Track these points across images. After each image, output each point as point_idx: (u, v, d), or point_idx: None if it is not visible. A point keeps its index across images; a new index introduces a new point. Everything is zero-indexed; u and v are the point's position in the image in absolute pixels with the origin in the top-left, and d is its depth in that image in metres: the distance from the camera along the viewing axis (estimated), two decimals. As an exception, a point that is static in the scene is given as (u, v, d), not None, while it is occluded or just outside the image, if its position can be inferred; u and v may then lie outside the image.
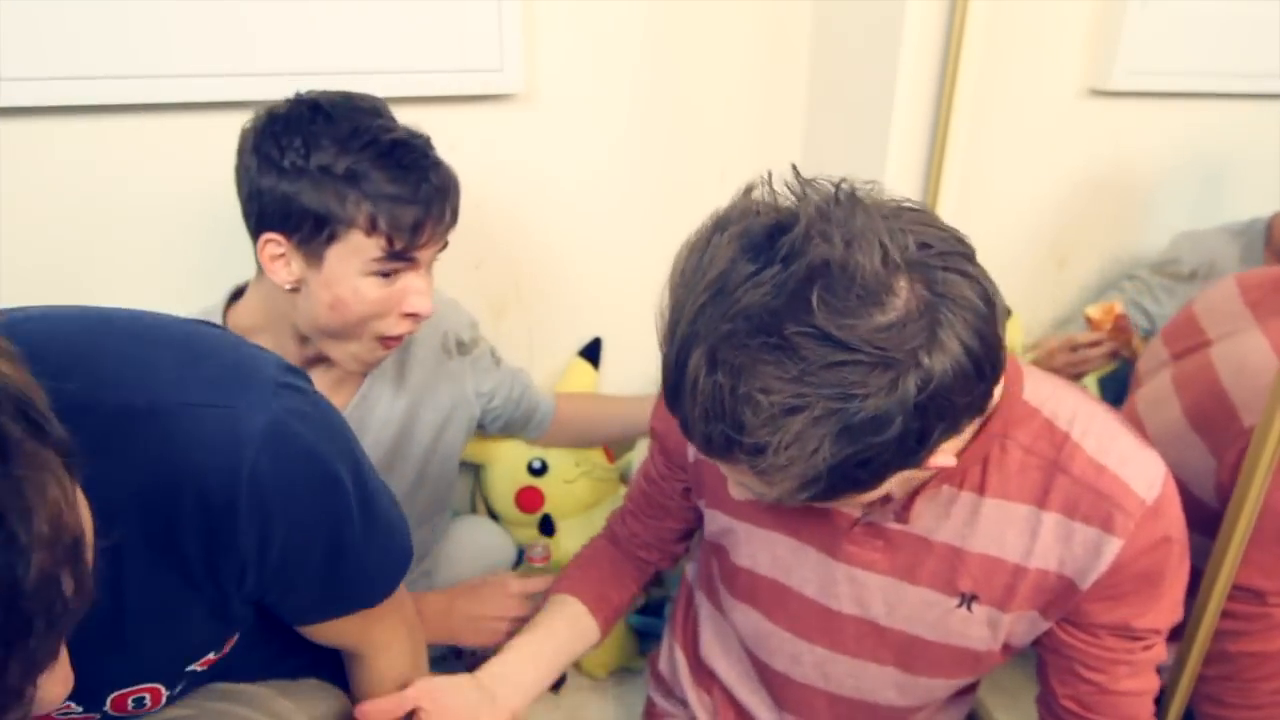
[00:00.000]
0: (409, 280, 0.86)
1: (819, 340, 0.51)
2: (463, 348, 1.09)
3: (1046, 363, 1.38)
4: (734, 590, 0.88)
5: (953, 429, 0.58)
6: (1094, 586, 0.70)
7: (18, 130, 0.95)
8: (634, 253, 1.37)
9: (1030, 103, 1.40)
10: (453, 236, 1.24)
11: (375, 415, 1.00)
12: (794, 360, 0.51)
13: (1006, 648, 0.77)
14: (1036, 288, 1.34)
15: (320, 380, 0.95)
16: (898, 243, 0.52)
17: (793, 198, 0.56)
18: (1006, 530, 0.71)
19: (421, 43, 1.10)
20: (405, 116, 1.15)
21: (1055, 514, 0.69)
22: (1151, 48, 1.38)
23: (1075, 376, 1.36)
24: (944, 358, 0.53)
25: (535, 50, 1.19)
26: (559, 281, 1.35)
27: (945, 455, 0.61)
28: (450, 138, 1.18)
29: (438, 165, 0.85)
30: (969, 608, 0.74)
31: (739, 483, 0.64)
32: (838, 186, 0.56)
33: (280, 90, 1.06)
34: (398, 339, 0.90)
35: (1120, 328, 1.31)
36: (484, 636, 0.99)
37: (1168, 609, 0.72)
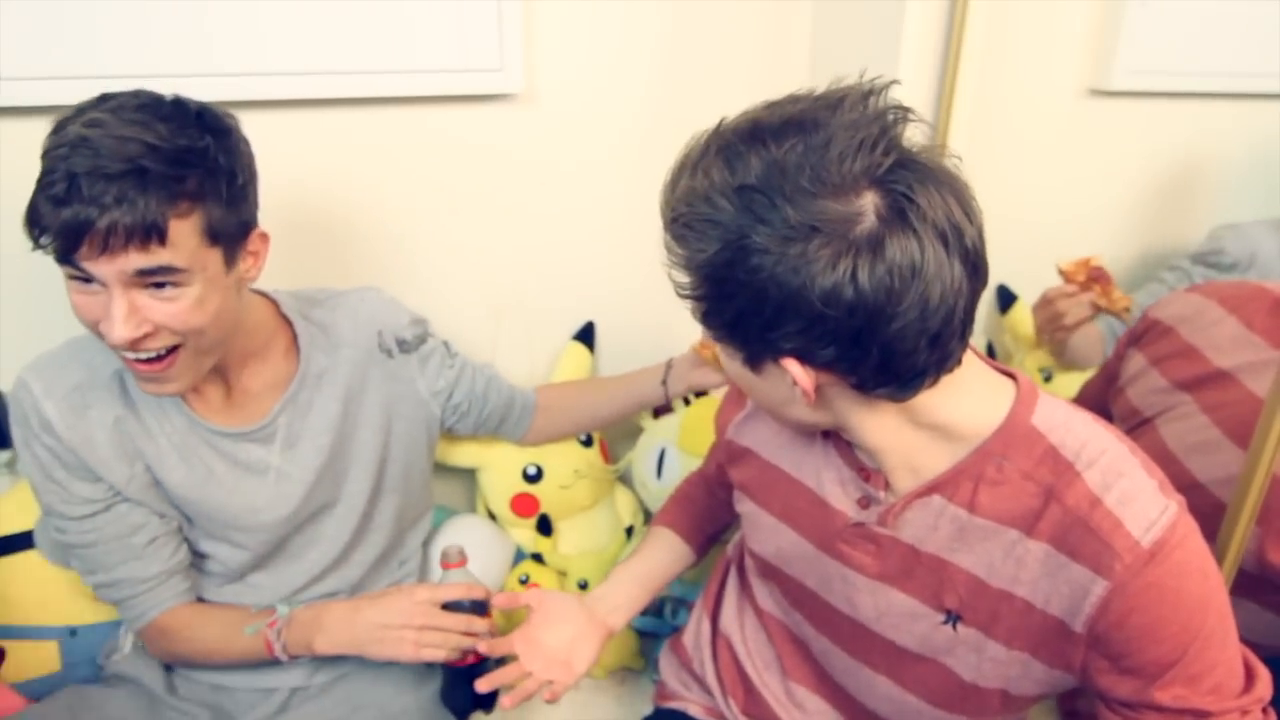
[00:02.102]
0: (105, 298, 0.77)
1: (770, 174, 0.57)
2: (405, 346, 1.05)
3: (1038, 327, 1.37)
4: (756, 567, 0.92)
5: (805, 348, 0.60)
6: (1094, 639, 0.65)
7: (18, 130, 0.95)
8: (633, 250, 1.37)
9: (1030, 103, 1.40)
10: (455, 233, 1.26)
11: (308, 423, 0.97)
12: (739, 174, 0.58)
13: (1005, 696, 0.74)
14: (1036, 285, 1.34)
15: (251, 384, 0.95)
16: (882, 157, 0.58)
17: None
18: (993, 553, 0.68)
19: (422, 43, 1.10)
20: (406, 116, 1.16)
21: (1043, 544, 0.66)
22: (1151, 48, 1.38)
23: (1055, 332, 1.32)
24: (835, 276, 0.56)
25: (535, 50, 1.19)
26: (559, 278, 1.35)
27: (795, 371, 0.62)
28: (450, 137, 1.19)
29: (121, 174, 0.73)
30: (954, 626, 0.72)
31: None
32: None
33: (282, 90, 1.07)
34: (146, 363, 0.82)
35: (1096, 278, 1.27)
36: (389, 647, 0.91)
37: (1199, 677, 0.64)
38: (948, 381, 0.64)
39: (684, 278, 0.63)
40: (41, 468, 0.89)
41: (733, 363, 0.68)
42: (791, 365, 0.62)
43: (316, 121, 1.12)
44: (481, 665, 0.94)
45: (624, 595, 0.96)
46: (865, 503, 0.75)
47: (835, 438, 0.77)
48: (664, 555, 1.00)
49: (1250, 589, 0.93)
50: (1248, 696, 0.66)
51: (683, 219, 0.61)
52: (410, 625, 0.91)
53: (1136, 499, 0.64)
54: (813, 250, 0.56)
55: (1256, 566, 0.92)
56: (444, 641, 0.91)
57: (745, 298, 0.60)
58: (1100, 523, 0.63)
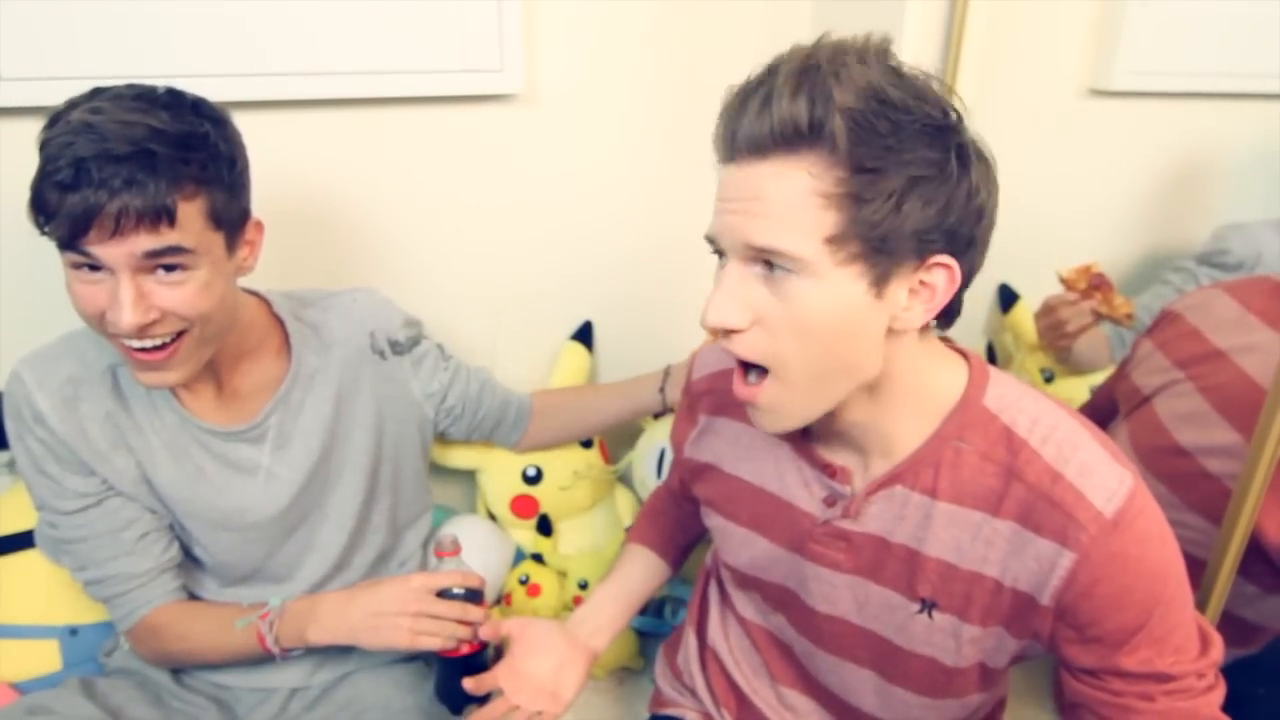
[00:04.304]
0: (110, 286, 0.77)
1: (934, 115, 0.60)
2: (397, 347, 1.05)
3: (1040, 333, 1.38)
4: (732, 577, 0.91)
5: (925, 245, 0.61)
6: (1061, 610, 0.66)
7: (18, 130, 0.95)
8: (632, 250, 1.37)
9: (1030, 103, 1.40)
10: (454, 233, 1.26)
11: (300, 423, 0.97)
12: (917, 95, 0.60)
13: (983, 669, 0.75)
14: (1037, 285, 1.34)
15: (242, 384, 0.95)
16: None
17: None
18: (960, 536, 0.69)
19: (422, 43, 1.10)
20: (406, 117, 1.16)
21: (1009, 522, 0.66)
22: (1151, 48, 1.38)
23: (1057, 339, 1.32)
24: (971, 178, 0.61)
25: (535, 50, 1.19)
26: (559, 278, 1.35)
27: (952, 272, 0.63)
28: (450, 138, 1.19)
29: (130, 157, 0.73)
30: (930, 615, 0.72)
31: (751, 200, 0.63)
32: None
33: (283, 90, 1.07)
34: (145, 351, 0.81)
35: (1097, 286, 1.28)
36: (384, 635, 0.90)
37: (1163, 639, 0.66)
38: (927, 343, 0.68)
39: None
40: (34, 461, 0.90)
41: (842, 293, 0.61)
42: (950, 264, 0.63)
43: (317, 122, 1.12)
44: (476, 656, 0.94)
45: (605, 616, 0.96)
46: (831, 500, 0.75)
47: (795, 440, 0.77)
48: (640, 572, 1.00)
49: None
50: (1204, 660, 0.68)
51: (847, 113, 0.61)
52: (405, 612, 0.90)
53: (1095, 470, 0.65)
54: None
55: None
56: (439, 629, 0.90)
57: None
58: (1063, 496, 0.64)
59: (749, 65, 0.63)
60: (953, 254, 0.62)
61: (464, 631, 0.92)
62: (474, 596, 0.94)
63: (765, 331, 0.64)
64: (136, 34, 0.97)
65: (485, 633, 0.92)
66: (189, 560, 1.00)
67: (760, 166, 0.60)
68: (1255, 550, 0.93)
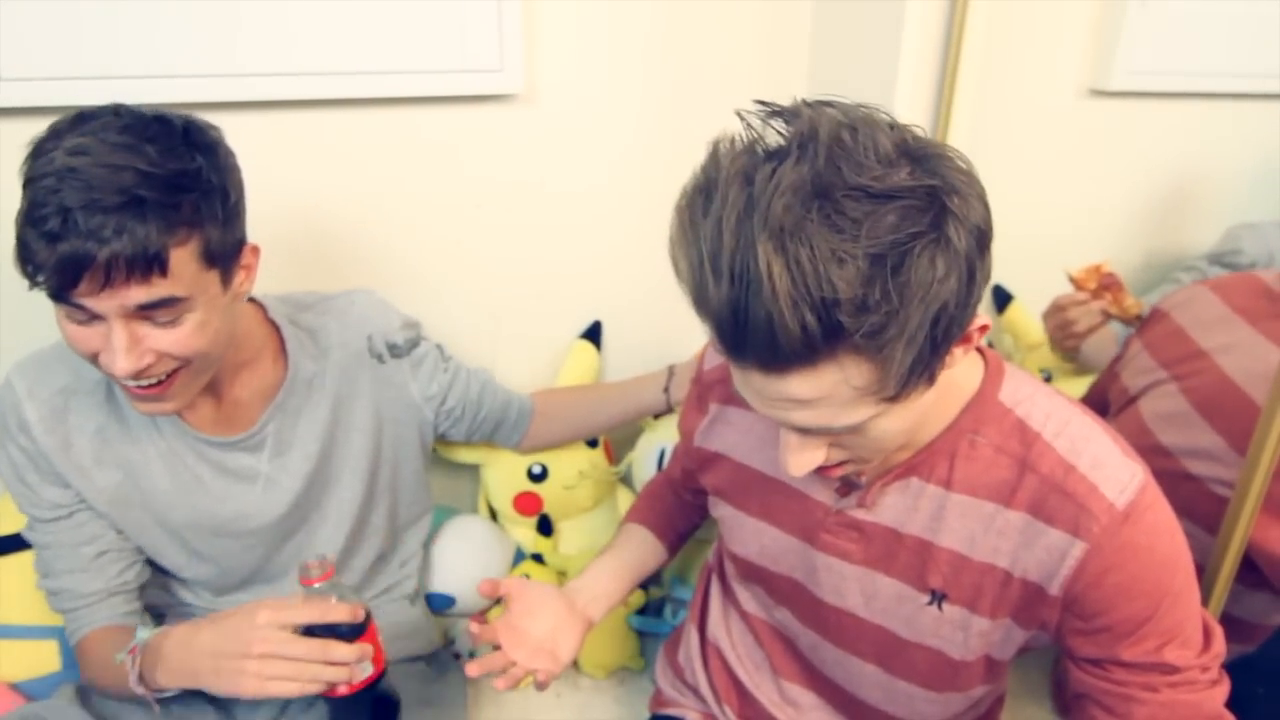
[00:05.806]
0: (103, 331, 0.75)
1: (863, 197, 0.52)
2: (396, 350, 1.03)
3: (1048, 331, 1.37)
4: (737, 570, 0.91)
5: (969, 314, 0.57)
6: (1069, 600, 0.67)
7: (18, 130, 0.95)
8: (634, 249, 1.37)
9: (1030, 103, 1.40)
10: (455, 234, 1.26)
11: (298, 430, 0.96)
12: (850, 221, 0.51)
13: (988, 661, 0.75)
14: (1036, 286, 1.34)
15: (240, 393, 0.94)
16: (899, 133, 0.55)
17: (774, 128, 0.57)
18: (973, 527, 0.70)
19: (422, 43, 1.10)
20: (406, 117, 1.16)
21: (1021, 513, 0.67)
22: (1151, 48, 1.38)
23: (1066, 339, 1.32)
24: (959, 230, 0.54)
25: (535, 50, 1.19)
26: (560, 279, 1.35)
27: (972, 341, 0.61)
28: (450, 138, 1.19)
29: (118, 207, 0.70)
30: (939, 606, 0.73)
31: (815, 421, 0.59)
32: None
33: (281, 91, 1.07)
34: (144, 388, 0.80)
35: (1107, 286, 1.28)
36: (225, 681, 0.75)
37: (1169, 631, 0.66)
38: None
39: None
40: (14, 468, 0.89)
41: (913, 407, 0.61)
42: (974, 335, 0.60)
43: (315, 123, 1.12)
44: (370, 689, 0.81)
45: (602, 587, 0.95)
46: (845, 490, 0.76)
47: None
48: (639, 550, 1.00)
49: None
50: (1208, 654, 0.69)
51: (871, 300, 0.53)
52: (249, 655, 0.75)
53: (1107, 463, 0.66)
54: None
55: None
56: (295, 673, 0.75)
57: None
58: (1076, 487, 0.65)
59: (750, 64, 0.63)
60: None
61: (331, 674, 0.76)
62: (349, 631, 0.78)
63: (844, 450, 0.66)
64: (136, 34, 0.97)
65: (484, 590, 0.87)
66: (171, 576, 0.98)
67: (787, 380, 0.56)
68: (1246, 560, 0.93)
